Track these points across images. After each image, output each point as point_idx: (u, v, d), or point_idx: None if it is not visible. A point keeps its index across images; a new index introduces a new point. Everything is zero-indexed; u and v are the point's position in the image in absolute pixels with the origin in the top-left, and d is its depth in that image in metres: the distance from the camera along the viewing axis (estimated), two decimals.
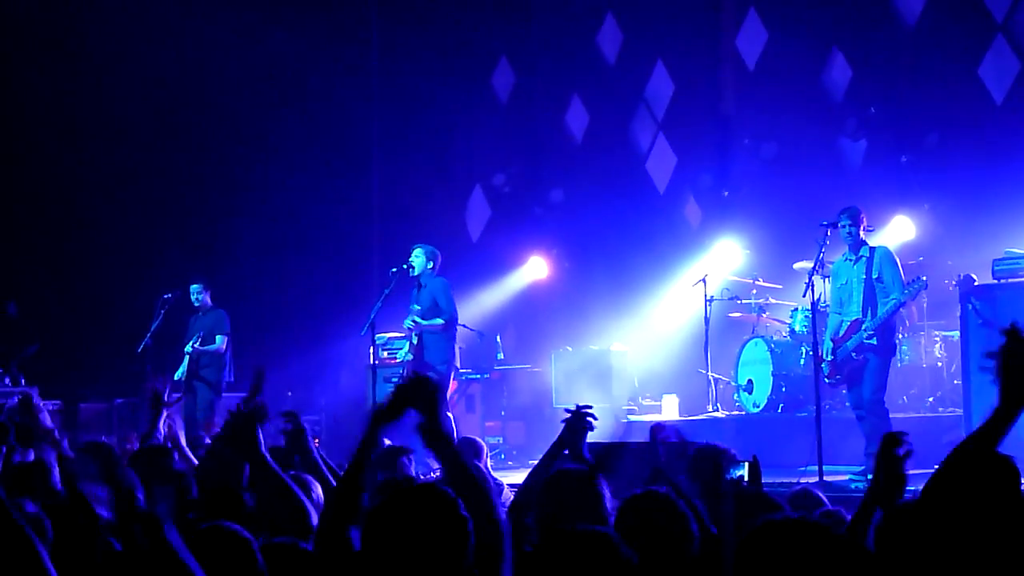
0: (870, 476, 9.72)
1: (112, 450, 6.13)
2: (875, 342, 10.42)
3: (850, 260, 10.63)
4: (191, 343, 13.85)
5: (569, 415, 5.51)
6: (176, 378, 13.86)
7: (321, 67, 16.94)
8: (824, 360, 10.62)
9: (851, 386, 10.65)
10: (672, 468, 6.14)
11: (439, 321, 12.25)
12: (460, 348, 14.02)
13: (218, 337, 13.92)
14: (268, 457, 4.64)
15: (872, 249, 10.58)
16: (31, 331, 14.82)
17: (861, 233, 10.57)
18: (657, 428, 6.39)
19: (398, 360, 12.97)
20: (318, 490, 5.39)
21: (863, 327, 10.45)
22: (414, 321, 12.23)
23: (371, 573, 3.29)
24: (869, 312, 10.50)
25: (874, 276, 10.49)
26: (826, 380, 10.74)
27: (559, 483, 4.85)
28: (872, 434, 10.26)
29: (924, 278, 10.62)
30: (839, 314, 10.75)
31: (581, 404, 5.54)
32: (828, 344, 10.67)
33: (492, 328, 15.87)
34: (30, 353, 14.43)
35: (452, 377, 12.75)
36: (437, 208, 17.37)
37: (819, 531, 2.45)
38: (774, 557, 2.43)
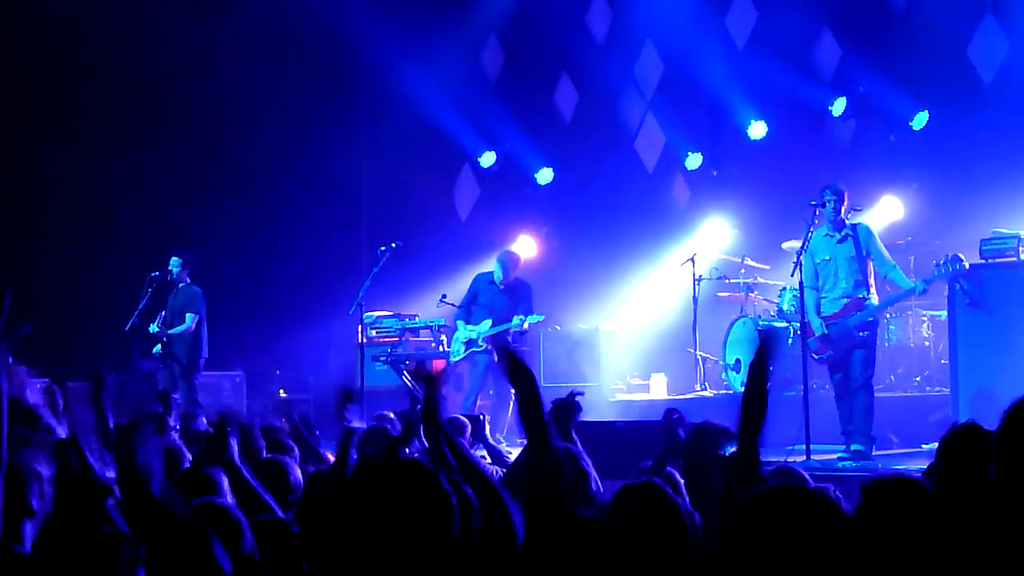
0: (854, 447, 9.73)
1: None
2: (872, 319, 10.47)
3: (831, 236, 10.58)
4: (155, 323, 13.68)
5: (558, 401, 5.51)
6: (154, 354, 13.78)
7: (307, 47, 16.87)
8: (814, 336, 10.60)
9: (838, 366, 10.60)
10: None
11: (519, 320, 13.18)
12: (447, 327, 14.12)
13: (188, 316, 13.70)
14: (238, 463, 4.61)
15: (855, 227, 10.58)
16: (18, 315, 14.71)
17: (843, 211, 10.54)
18: (671, 411, 6.40)
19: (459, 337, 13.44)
20: (296, 473, 5.41)
21: (867, 304, 10.43)
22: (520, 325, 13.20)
23: (354, 549, 3.28)
24: (873, 290, 10.50)
25: (864, 253, 10.48)
26: (814, 356, 10.70)
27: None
28: (866, 411, 10.27)
29: (961, 260, 10.47)
30: (816, 289, 10.69)
31: (574, 391, 5.57)
32: (816, 320, 10.62)
33: None
34: (23, 334, 14.31)
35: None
36: (426, 186, 17.35)
37: (811, 499, 2.45)
38: (766, 527, 2.42)
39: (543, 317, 13.51)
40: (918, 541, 3.35)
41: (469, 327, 13.38)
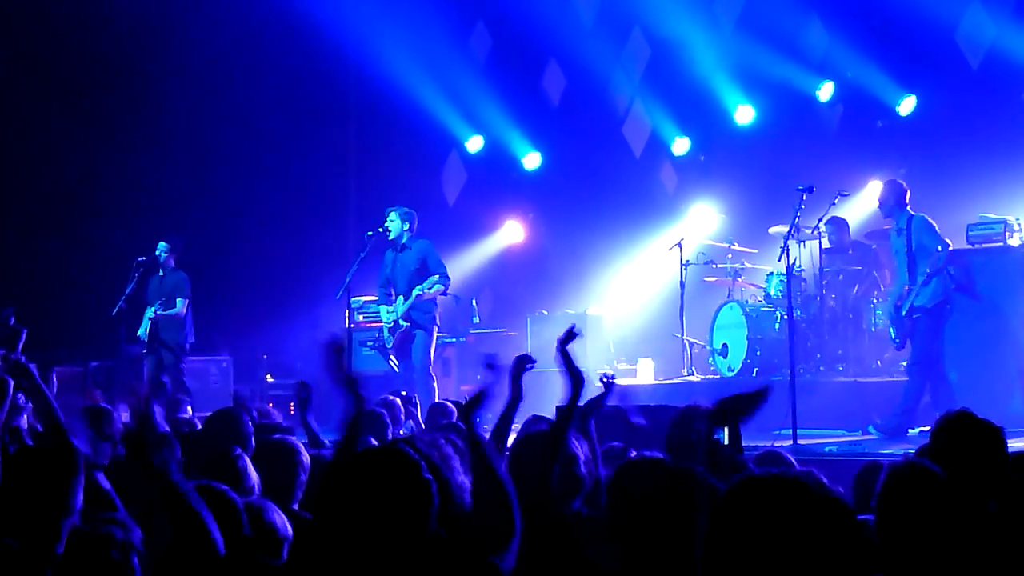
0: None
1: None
2: (925, 303, 10.66)
3: (895, 231, 10.95)
4: (154, 308, 13.67)
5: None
6: (139, 335, 13.74)
7: (292, 33, 16.80)
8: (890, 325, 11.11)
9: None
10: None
11: (440, 286, 12.54)
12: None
13: (178, 301, 13.70)
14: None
15: (910, 219, 10.78)
16: (4, 300, 14.65)
17: (906, 204, 10.86)
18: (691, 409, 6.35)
19: (385, 323, 12.96)
20: (306, 457, 5.40)
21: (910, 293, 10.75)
22: (421, 292, 12.39)
23: (333, 536, 3.24)
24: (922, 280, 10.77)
25: (914, 247, 10.68)
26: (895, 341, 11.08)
27: (530, 445, 4.85)
28: (904, 394, 10.61)
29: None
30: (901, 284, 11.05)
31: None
32: (889, 306, 11.07)
33: (468, 292, 15.87)
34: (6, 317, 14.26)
35: (436, 333, 12.86)
36: (413, 172, 17.30)
37: (799, 487, 2.44)
38: (753, 514, 2.42)
39: None
40: (935, 530, 3.36)
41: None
